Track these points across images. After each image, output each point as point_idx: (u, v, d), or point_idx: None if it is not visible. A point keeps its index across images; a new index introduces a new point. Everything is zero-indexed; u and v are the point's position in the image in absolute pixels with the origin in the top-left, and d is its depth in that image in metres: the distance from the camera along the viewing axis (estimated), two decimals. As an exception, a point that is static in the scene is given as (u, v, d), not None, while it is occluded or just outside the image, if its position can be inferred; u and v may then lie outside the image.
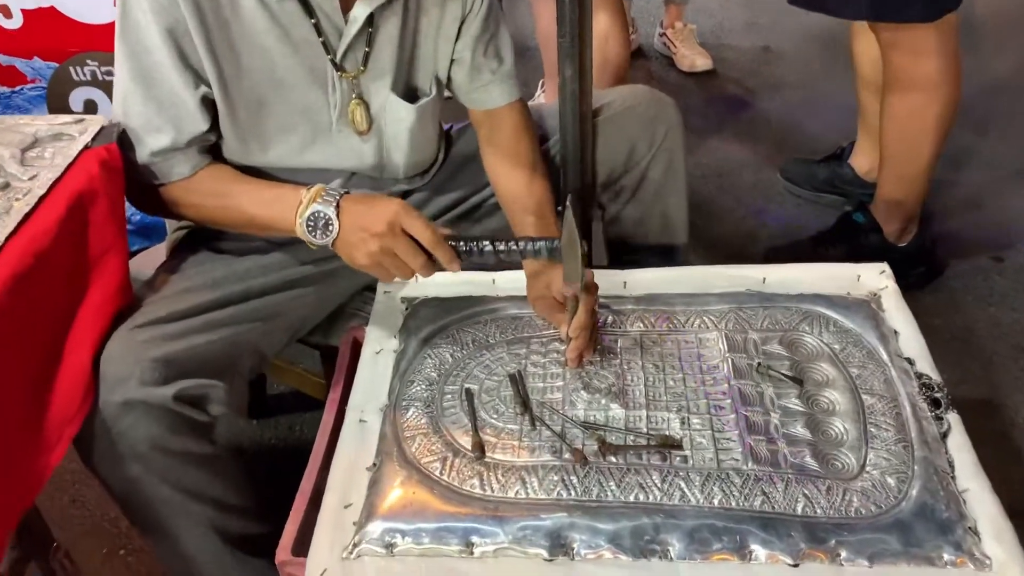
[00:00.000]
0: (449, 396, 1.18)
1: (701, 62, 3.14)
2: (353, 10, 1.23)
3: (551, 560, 0.99)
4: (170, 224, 1.47)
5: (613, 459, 1.07)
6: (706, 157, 2.66)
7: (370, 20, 1.25)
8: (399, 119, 1.34)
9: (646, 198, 1.56)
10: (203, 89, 1.22)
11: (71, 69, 1.94)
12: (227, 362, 1.22)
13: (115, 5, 1.19)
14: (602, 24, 2.00)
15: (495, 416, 1.15)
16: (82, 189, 1.13)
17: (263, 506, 1.30)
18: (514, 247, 1.13)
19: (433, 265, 1.13)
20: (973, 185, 2.48)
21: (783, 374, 1.18)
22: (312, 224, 1.16)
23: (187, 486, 1.18)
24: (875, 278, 1.34)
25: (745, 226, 2.40)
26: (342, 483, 1.08)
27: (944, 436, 1.10)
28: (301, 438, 1.85)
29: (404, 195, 1.43)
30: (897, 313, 1.27)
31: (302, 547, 1.03)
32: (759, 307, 1.29)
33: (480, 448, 1.10)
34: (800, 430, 1.11)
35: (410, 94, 1.36)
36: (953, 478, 1.05)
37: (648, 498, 1.03)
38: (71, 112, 1.86)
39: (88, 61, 1.93)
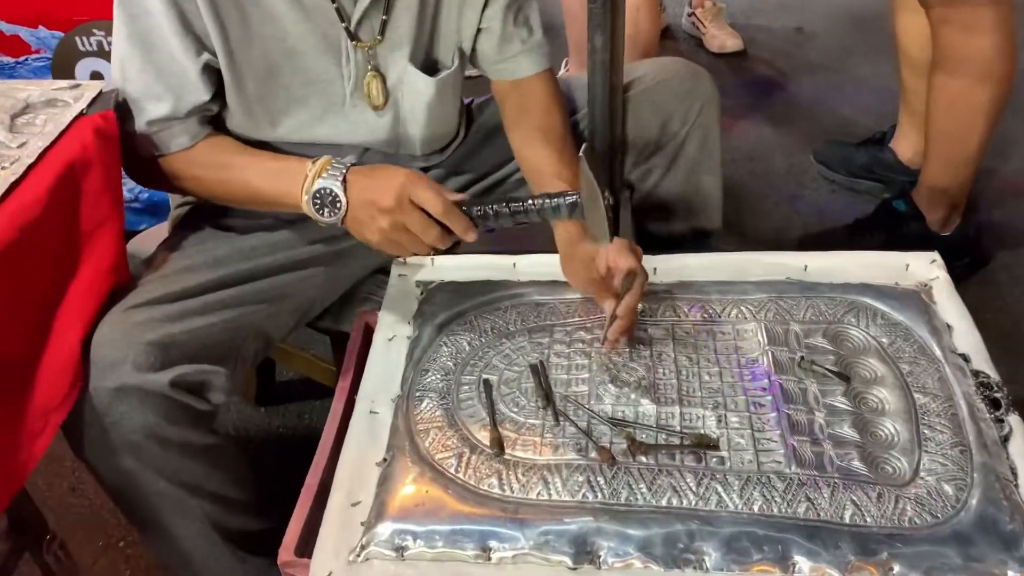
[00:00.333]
0: (466, 387, 1.15)
1: (731, 43, 3.11)
2: None
3: (575, 568, 0.95)
4: (173, 200, 1.44)
5: (643, 459, 1.03)
6: (736, 140, 2.63)
7: None
8: (417, 93, 1.30)
9: (679, 177, 1.50)
10: (206, 56, 1.18)
11: (77, 39, 1.90)
12: (229, 346, 1.18)
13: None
14: (634, -6, 1.95)
15: (515, 410, 1.11)
16: (74, 159, 1.10)
17: (266, 501, 1.27)
18: (532, 205, 1.09)
19: (449, 236, 1.10)
20: (1020, 172, 2.42)
21: (828, 369, 1.13)
22: (319, 201, 1.13)
23: (184, 479, 1.15)
24: (925, 267, 1.28)
25: (777, 213, 2.36)
26: (350, 479, 1.05)
27: (1005, 440, 1.05)
28: (310, 426, 1.83)
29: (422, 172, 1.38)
30: (950, 305, 1.22)
31: (306, 547, 1.00)
32: (801, 297, 1.24)
33: (499, 444, 1.06)
34: (847, 431, 1.06)
35: (430, 66, 1.31)
36: (1016, 487, 1.00)
37: (682, 503, 0.99)
38: (77, 84, 1.83)
39: (94, 31, 1.89)
